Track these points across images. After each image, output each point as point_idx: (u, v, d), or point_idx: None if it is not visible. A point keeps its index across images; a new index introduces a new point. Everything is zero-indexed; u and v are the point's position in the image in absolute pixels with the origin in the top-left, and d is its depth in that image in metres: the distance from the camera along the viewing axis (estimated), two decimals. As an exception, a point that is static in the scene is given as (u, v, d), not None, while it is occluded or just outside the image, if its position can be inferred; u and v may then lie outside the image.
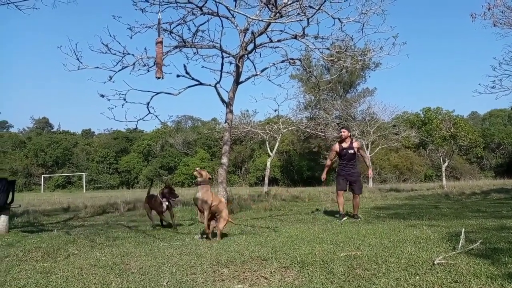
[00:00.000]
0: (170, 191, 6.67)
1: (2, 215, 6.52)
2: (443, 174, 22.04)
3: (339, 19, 7.57)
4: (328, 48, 8.84)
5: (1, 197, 6.57)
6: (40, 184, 48.45)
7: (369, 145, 29.49)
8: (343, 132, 7.63)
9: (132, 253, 4.39)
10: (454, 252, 3.59)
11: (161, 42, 5.52)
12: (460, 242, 3.84)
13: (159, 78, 5.45)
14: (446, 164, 24.08)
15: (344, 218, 7.23)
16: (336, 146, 7.72)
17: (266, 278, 3.16)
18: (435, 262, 3.26)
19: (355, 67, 11.02)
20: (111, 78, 8.19)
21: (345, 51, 8.93)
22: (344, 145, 7.55)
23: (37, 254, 4.43)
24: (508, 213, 7.53)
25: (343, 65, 9.70)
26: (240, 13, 6.42)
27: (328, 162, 7.94)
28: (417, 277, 2.93)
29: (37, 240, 5.51)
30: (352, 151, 7.48)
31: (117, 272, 3.47)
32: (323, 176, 7.89)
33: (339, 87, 42.11)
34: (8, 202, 6.68)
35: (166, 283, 3.07)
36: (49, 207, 12.54)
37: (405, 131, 31.72)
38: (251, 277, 3.22)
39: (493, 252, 3.59)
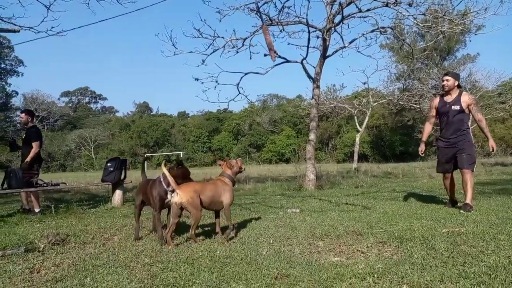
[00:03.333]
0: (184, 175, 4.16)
1: (117, 190, 7.40)
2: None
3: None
4: (423, 14, 8.18)
5: (116, 174, 7.45)
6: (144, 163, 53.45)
7: (471, 116, 26.80)
8: (446, 80, 5.23)
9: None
10: None
11: (266, 29, 5.73)
12: None
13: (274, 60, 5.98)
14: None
15: (455, 205, 5.37)
16: (436, 100, 5.45)
17: (362, 252, 3.16)
18: (556, 242, 2.95)
19: (453, 32, 10.02)
20: (204, 62, 8.65)
21: (443, 15, 8.18)
22: (447, 98, 5.25)
23: (149, 224, 4.97)
24: None
25: (440, 30, 8.92)
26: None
27: (427, 125, 5.62)
28: (534, 257, 2.69)
29: (148, 212, 6.13)
30: (457, 107, 5.12)
31: (219, 241, 3.77)
32: (421, 147, 5.58)
33: (435, 55, 38.72)
34: (121, 178, 7.55)
35: (266, 253, 3.25)
36: (154, 183, 13.82)
37: (515, 99, 28.11)
38: (347, 251, 3.24)
39: None
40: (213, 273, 2.74)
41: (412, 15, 8.13)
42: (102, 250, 3.64)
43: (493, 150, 5.08)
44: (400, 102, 23.45)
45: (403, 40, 11.81)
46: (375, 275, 2.50)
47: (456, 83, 5.23)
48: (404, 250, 3.12)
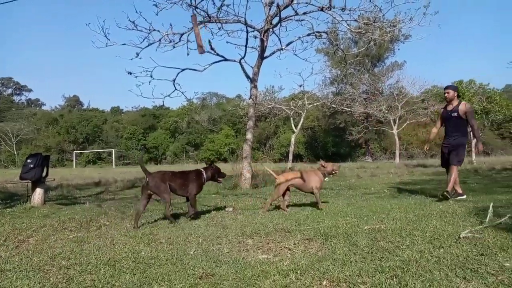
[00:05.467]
0: (218, 171, 5.25)
1: (38, 188, 6.85)
2: (473, 149, 21.36)
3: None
4: (355, 20, 8.60)
5: (37, 171, 6.89)
6: (72, 160, 50.30)
7: (397, 120, 28.87)
8: (447, 92, 6.29)
9: (160, 224, 4.56)
10: (481, 226, 3.54)
11: (194, 19, 5.56)
12: (488, 216, 3.78)
13: (200, 53, 5.71)
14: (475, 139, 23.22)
15: (463, 197, 6.04)
16: (442, 111, 6.62)
17: (289, 249, 3.22)
18: (461, 236, 3.23)
19: (383, 40, 10.68)
20: (138, 55, 8.33)
21: (374, 22, 8.66)
22: (449, 107, 6.31)
23: (71, 224, 4.66)
24: (541, 189, 7.29)
25: (371, 38, 9.43)
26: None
27: (433, 129, 6.87)
28: (442, 250, 2.92)
29: (71, 212, 5.79)
30: (455, 115, 6.12)
31: (146, 242, 3.63)
32: (426, 146, 7.02)
33: (367, 61, 41.04)
34: (43, 176, 7.00)
35: (193, 252, 3.19)
36: (81, 182, 13.06)
37: (435, 106, 30.62)
38: (275, 248, 3.29)
39: (522, 227, 3.52)
40: (135, 274, 2.63)
41: (346, 21, 8.52)
42: (14, 253, 3.34)
43: (478, 152, 5.98)
44: (333, 105, 24.51)
45: (337, 45, 12.33)
46: (298, 272, 2.55)
47: (456, 94, 6.28)
48: (328, 246, 3.23)
